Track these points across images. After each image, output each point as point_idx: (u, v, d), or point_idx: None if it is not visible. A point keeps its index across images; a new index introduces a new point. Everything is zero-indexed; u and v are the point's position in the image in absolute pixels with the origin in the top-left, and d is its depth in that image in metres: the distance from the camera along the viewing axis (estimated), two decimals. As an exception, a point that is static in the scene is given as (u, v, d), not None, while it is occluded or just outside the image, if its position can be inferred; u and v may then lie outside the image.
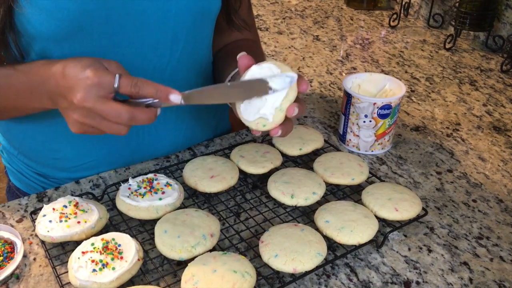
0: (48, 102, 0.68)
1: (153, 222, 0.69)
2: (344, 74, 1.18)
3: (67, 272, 0.62)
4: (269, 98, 0.61)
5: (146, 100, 0.63)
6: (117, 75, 0.61)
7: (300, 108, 0.63)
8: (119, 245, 0.62)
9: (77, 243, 0.65)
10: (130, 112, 0.60)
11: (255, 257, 0.66)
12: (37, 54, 0.72)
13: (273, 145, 0.85)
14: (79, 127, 0.63)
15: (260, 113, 0.62)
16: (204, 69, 0.88)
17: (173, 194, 0.71)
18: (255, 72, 0.62)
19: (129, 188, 0.72)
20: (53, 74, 0.65)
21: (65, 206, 0.68)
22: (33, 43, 0.70)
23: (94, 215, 0.67)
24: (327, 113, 1.02)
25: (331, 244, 0.67)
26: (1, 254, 0.65)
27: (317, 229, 0.67)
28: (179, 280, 0.60)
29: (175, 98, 0.61)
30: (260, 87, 0.61)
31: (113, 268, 0.59)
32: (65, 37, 0.69)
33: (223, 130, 0.98)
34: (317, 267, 0.63)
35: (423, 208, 0.73)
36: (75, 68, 0.62)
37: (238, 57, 0.64)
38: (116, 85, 0.60)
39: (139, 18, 0.72)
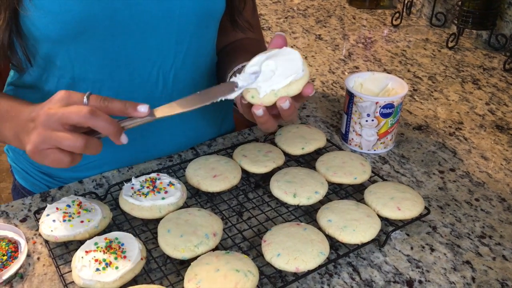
0: (12, 137, 0.66)
1: (156, 221, 0.69)
2: (346, 73, 1.18)
3: (70, 271, 0.62)
4: (275, 77, 0.62)
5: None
6: (86, 94, 0.59)
7: (291, 106, 0.62)
8: (122, 245, 0.62)
9: (81, 242, 0.65)
10: (90, 109, 0.57)
11: (257, 256, 0.66)
12: (42, 57, 0.73)
13: (275, 145, 0.85)
14: (37, 142, 0.58)
15: (258, 84, 0.63)
16: (209, 70, 0.88)
17: (176, 194, 0.71)
18: (274, 56, 0.64)
19: (132, 188, 0.72)
20: (24, 105, 0.65)
21: (69, 206, 0.68)
22: (38, 46, 0.71)
23: (97, 214, 0.68)
24: (330, 112, 1.02)
25: (334, 243, 0.68)
26: (5, 254, 0.65)
27: (319, 228, 0.67)
28: (182, 279, 0.60)
29: (143, 107, 0.59)
30: (227, 87, 0.62)
31: (117, 268, 0.59)
32: (70, 40, 0.69)
33: (227, 130, 0.98)
34: (320, 266, 0.63)
35: (425, 207, 0.73)
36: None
37: (276, 33, 0.65)
38: (85, 100, 0.59)
39: (143, 19, 0.72)
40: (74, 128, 0.58)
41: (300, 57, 0.63)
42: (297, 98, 0.64)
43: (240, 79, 0.63)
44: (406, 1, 1.50)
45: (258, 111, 0.63)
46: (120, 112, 0.60)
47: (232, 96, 0.63)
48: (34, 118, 0.60)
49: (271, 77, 0.62)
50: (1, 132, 0.68)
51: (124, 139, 0.60)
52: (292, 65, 0.62)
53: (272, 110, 0.64)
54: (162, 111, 0.61)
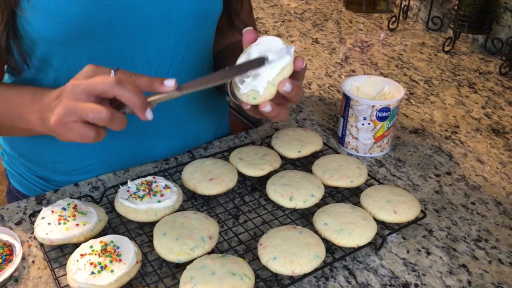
0: (36, 120, 0.66)
1: (152, 224, 0.69)
2: (343, 77, 1.19)
3: (65, 274, 0.62)
4: (263, 72, 0.61)
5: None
6: (113, 68, 0.60)
7: (294, 86, 0.61)
8: (118, 248, 0.62)
9: (76, 245, 0.65)
10: (117, 78, 0.58)
11: (253, 259, 0.66)
12: (39, 59, 0.72)
13: (272, 148, 0.85)
14: (62, 114, 0.59)
15: (252, 85, 0.62)
16: (207, 72, 0.88)
17: (172, 197, 0.71)
18: (256, 47, 0.63)
19: (128, 191, 0.72)
20: (48, 89, 0.65)
21: (64, 209, 0.68)
22: (35, 48, 0.71)
23: (93, 217, 0.67)
24: (326, 115, 1.02)
25: (330, 247, 0.67)
26: (0, 257, 0.65)
27: (315, 232, 0.67)
28: (178, 283, 0.60)
29: (170, 82, 0.59)
30: (257, 62, 0.61)
31: (112, 271, 0.59)
32: (67, 41, 0.69)
33: (223, 133, 0.98)
34: (316, 270, 0.63)
35: (421, 211, 0.73)
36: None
37: (244, 31, 0.64)
38: (112, 74, 0.59)
39: (141, 21, 0.72)
40: (100, 101, 0.58)
41: (279, 40, 0.62)
42: (295, 76, 0.64)
43: (270, 54, 0.61)
44: (402, 5, 1.51)
45: (266, 108, 0.62)
46: (148, 87, 0.60)
47: (260, 71, 0.61)
48: (59, 95, 0.61)
49: (260, 73, 0.62)
50: (25, 117, 0.68)
51: (149, 114, 0.60)
52: (275, 50, 0.62)
53: (276, 99, 0.64)
54: (188, 87, 0.61)
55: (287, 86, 0.61)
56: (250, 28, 0.64)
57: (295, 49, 0.64)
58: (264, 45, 0.63)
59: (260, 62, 0.61)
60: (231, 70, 0.62)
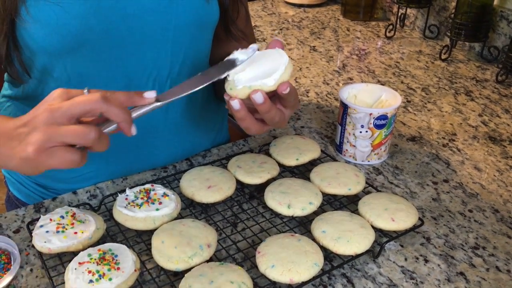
0: None
1: (150, 232, 0.69)
2: (340, 85, 1.19)
3: (64, 283, 0.62)
4: (250, 71, 0.62)
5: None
6: (85, 89, 0.56)
7: (266, 102, 0.61)
8: (116, 256, 0.62)
9: (74, 254, 0.65)
10: (102, 94, 0.54)
11: (252, 267, 0.66)
12: (39, 69, 0.73)
13: (270, 156, 0.85)
14: (42, 141, 0.53)
15: (234, 77, 0.63)
16: None
17: (170, 205, 0.71)
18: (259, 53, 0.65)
19: (126, 199, 0.72)
20: (11, 118, 0.59)
21: (62, 217, 0.68)
22: (35, 58, 0.71)
23: (91, 225, 0.67)
24: (324, 123, 1.02)
25: (328, 255, 0.68)
26: (-2, 265, 0.65)
27: (313, 239, 0.68)
28: (176, 291, 0.60)
29: (150, 94, 0.59)
30: (228, 64, 0.63)
31: (110, 279, 0.59)
32: (67, 52, 0.70)
33: (221, 141, 0.99)
34: (314, 278, 0.63)
35: (419, 218, 0.73)
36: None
37: (273, 38, 0.65)
38: (86, 93, 0.56)
39: (139, 31, 0.73)
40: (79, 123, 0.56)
41: (285, 60, 0.63)
42: (280, 100, 0.64)
43: (239, 54, 0.63)
44: (399, 14, 1.52)
45: (234, 103, 0.62)
46: (126, 103, 0.58)
47: (235, 70, 0.62)
48: (28, 121, 0.55)
49: (250, 72, 0.63)
50: None
51: (134, 130, 0.58)
52: (275, 65, 0.63)
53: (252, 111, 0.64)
54: (168, 95, 0.61)
55: (257, 96, 0.61)
56: (279, 39, 0.66)
57: (292, 57, 0.65)
58: (270, 56, 0.65)
59: (232, 64, 0.62)
60: (204, 75, 0.63)
